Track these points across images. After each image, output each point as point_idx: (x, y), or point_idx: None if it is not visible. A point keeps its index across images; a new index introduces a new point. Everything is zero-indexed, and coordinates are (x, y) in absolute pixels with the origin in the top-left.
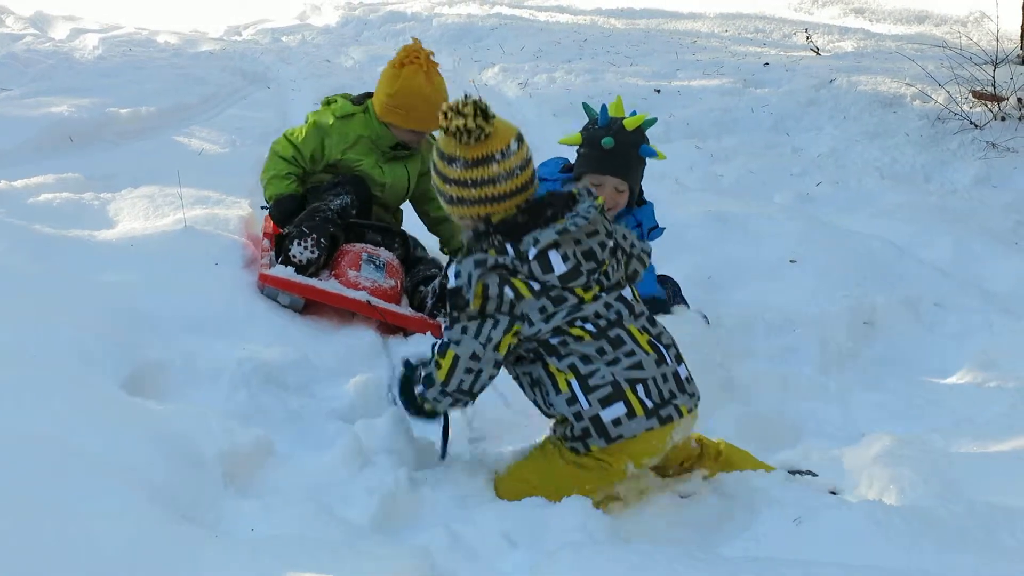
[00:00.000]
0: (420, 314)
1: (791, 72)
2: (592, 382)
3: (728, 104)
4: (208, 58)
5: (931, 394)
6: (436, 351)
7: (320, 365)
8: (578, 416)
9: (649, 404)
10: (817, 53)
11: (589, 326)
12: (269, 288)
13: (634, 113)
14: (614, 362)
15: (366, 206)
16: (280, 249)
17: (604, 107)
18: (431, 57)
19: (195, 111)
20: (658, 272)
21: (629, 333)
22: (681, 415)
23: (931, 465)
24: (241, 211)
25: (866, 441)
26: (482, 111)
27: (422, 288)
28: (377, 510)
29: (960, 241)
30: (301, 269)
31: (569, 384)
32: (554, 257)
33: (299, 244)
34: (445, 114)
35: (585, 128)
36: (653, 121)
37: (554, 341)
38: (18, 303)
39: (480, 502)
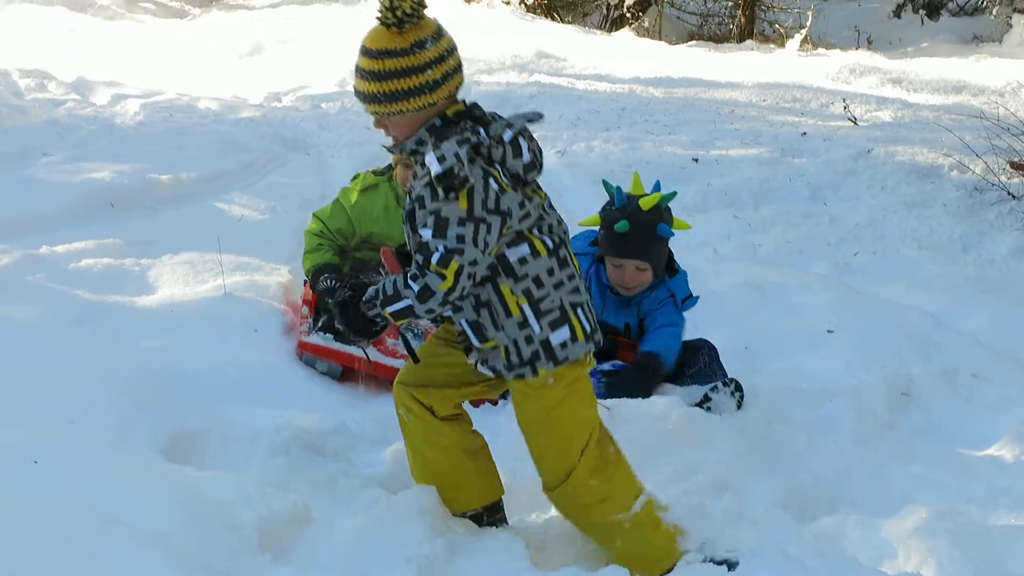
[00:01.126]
0: None
1: (829, 142)
2: (543, 306)
3: (766, 173)
4: (248, 124)
5: (968, 465)
6: (435, 262)
7: (358, 432)
8: (528, 339)
9: (587, 328)
10: (855, 123)
11: (547, 240)
12: (307, 355)
13: (657, 187)
14: (560, 285)
15: None
16: (319, 316)
17: (619, 189)
18: None
19: (235, 177)
20: (697, 336)
21: (570, 255)
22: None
23: (969, 538)
24: (280, 278)
25: (903, 512)
26: None
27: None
28: None
29: (997, 312)
30: (341, 337)
31: (521, 308)
32: (523, 144)
33: None
34: (389, 6)
35: (603, 209)
36: (671, 196)
37: (512, 258)
38: (58, 368)
39: (517, 570)
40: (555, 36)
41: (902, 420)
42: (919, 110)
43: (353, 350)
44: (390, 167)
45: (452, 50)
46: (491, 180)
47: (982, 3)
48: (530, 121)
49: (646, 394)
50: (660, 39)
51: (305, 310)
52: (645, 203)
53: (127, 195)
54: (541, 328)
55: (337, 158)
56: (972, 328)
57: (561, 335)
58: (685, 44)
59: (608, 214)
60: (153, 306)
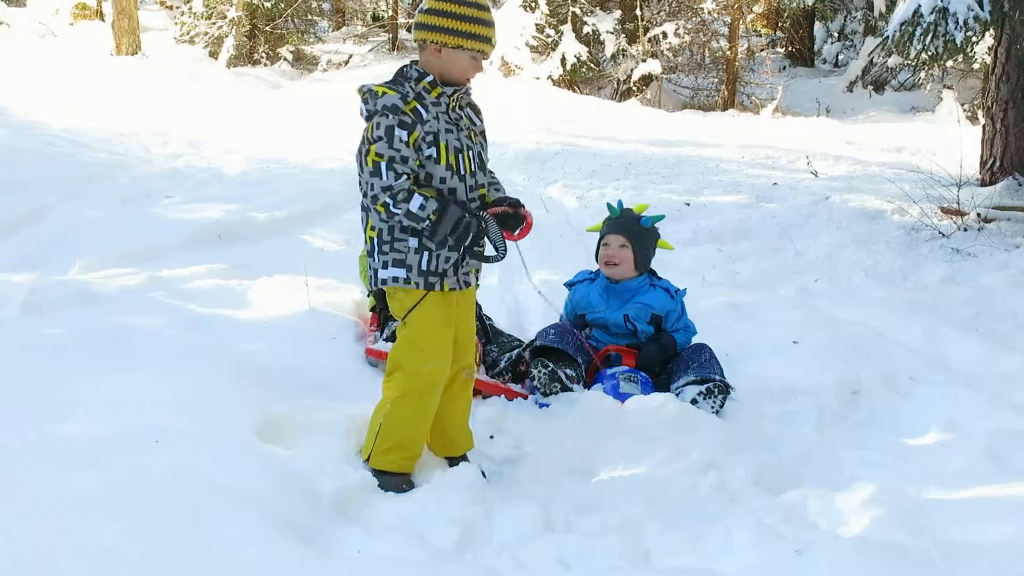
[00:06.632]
0: (494, 380)
1: (795, 190)
2: None
3: (744, 215)
4: (329, 173)
5: (905, 451)
6: None
7: None
8: None
9: None
10: (816, 176)
11: None
12: (371, 359)
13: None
14: None
15: None
16: (384, 328)
17: (620, 202)
18: None
19: (318, 215)
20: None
21: None
22: None
23: (905, 508)
24: (355, 296)
25: (853, 488)
26: None
27: (523, 355)
28: (459, 537)
29: (929, 328)
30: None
31: None
32: None
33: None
34: None
35: (605, 219)
36: (659, 217)
37: None
38: (175, 366)
39: (540, 533)
40: (576, 105)
41: (852, 414)
42: (867, 166)
43: None
44: None
45: None
46: None
47: (919, 81)
48: None
49: (658, 364)
50: (660, 107)
51: (373, 327)
52: (637, 208)
53: (231, 229)
54: None
55: None
56: (908, 340)
57: None
58: (680, 111)
59: (607, 218)
60: (252, 318)
